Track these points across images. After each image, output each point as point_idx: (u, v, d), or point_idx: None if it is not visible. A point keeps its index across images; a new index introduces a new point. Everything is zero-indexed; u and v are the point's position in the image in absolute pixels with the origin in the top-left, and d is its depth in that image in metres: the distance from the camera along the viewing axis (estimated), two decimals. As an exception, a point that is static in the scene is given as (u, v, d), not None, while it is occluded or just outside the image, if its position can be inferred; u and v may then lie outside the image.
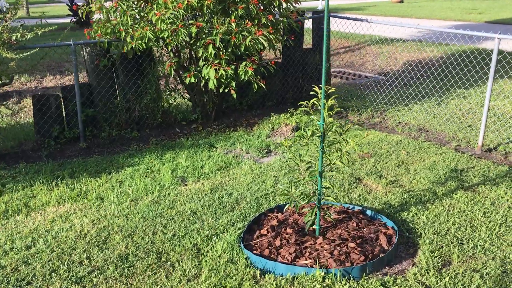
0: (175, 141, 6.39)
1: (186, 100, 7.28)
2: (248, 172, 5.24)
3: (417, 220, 4.10)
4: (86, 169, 5.41)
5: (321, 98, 3.49)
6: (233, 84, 6.20)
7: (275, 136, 6.57)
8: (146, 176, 5.20)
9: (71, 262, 3.44)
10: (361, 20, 7.32)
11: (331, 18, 7.74)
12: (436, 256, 3.53)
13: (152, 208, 4.36)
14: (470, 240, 3.78)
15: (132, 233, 3.88)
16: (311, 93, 3.64)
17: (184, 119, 6.91)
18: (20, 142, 6.22)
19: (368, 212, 4.17)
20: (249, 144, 6.23)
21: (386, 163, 5.45)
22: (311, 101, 3.58)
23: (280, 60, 7.75)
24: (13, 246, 3.72)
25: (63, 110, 6.17)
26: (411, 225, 4.02)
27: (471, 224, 4.02)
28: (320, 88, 3.53)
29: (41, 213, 4.36)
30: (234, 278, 3.22)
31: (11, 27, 5.09)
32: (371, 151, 5.81)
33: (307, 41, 10.58)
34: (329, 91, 3.45)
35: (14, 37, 5.02)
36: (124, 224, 4.05)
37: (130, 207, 4.41)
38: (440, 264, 3.44)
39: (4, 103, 6.31)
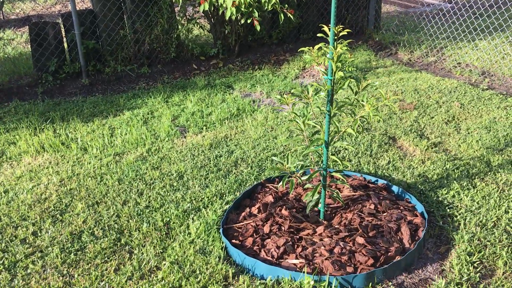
0: (188, 79, 5.59)
1: (206, 31, 6.36)
2: (261, 123, 4.40)
3: (458, 202, 3.17)
4: (81, 111, 4.78)
5: (329, 43, 2.53)
6: (256, 14, 5.21)
7: (304, 77, 5.61)
8: (144, 123, 4.49)
9: (13, 239, 2.85)
10: None
11: None
12: (475, 262, 2.64)
13: (135, 167, 3.67)
14: (526, 239, 2.83)
15: (98, 201, 3.23)
16: (318, 35, 2.67)
17: (202, 54, 6.05)
18: (19, 76, 5.65)
19: (394, 189, 3.27)
20: (272, 86, 5.34)
21: (432, 117, 4.42)
22: (316, 46, 2.62)
23: (320, -16, 6.57)
24: (-38, 210, 3.18)
25: (64, 41, 5.48)
26: (448, 210, 3.10)
27: (531, 214, 3.05)
28: (329, 28, 2.55)
29: (13, 165, 3.79)
30: (198, 278, 2.51)
31: None
32: (415, 101, 4.76)
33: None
34: (340, 33, 2.47)
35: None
36: (95, 187, 3.40)
37: (110, 164, 3.74)
38: (478, 275, 2.55)
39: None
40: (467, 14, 7.16)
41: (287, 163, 2.77)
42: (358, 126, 2.61)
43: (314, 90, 2.63)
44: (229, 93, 5.20)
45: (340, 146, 3.82)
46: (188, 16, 5.89)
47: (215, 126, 4.41)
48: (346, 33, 2.50)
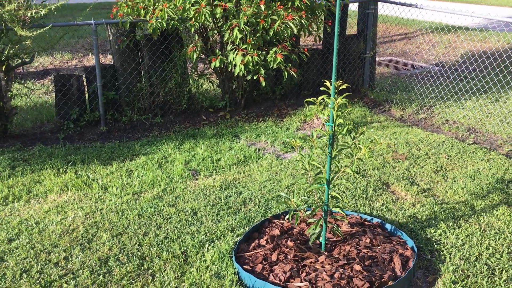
0: (198, 129, 6.05)
1: (215, 86, 6.91)
2: (266, 169, 4.82)
3: (445, 240, 3.54)
4: (100, 155, 5.19)
5: (331, 95, 3.00)
6: (262, 71, 5.75)
7: (305, 129, 6.08)
8: (158, 167, 4.90)
9: (47, 262, 3.19)
10: (410, 5, 6.62)
11: (379, 3, 7.07)
12: (459, 289, 2.99)
13: (152, 204, 4.04)
14: (503, 271, 3.18)
15: (121, 232, 3.59)
16: (321, 88, 3.15)
17: (211, 106, 6.55)
18: (42, 123, 6.11)
19: (388, 227, 3.65)
20: (275, 136, 5.79)
21: (422, 167, 4.85)
22: (319, 98, 3.09)
23: (320, 47, 7.19)
24: (-2, 237, 3.53)
25: (86, 91, 5.98)
26: (435, 245, 3.47)
27: (509, 250, 3.41)
28: (331, 83, 3.03)
29: (40, 201, 4.16)
30: (214, 296, 2.85)
31: (28, 4, 4.89)
32: (407, 153, 5.21)
33: (352, 27, 9.89)
34: (340, 87, 2.95)
35: (29, 14, 4.82)
36: (117, 221, 3.76)
37: (130, 201, 4.12)
38: (461, 299, 2.89)
39: (22, 81, 6.20)
40: (453, 76, 7.78)
41: (293, 198, 3.16)
42: (356, 166, 3.03)
43: (318, 134, 3.07)
44: (236, 142, 5.64)
45: (338, 183, 4.23)
46: (199, 72, 6.44)
47: (224, 170, 4.81)
48: (345, 87, 2.97)
